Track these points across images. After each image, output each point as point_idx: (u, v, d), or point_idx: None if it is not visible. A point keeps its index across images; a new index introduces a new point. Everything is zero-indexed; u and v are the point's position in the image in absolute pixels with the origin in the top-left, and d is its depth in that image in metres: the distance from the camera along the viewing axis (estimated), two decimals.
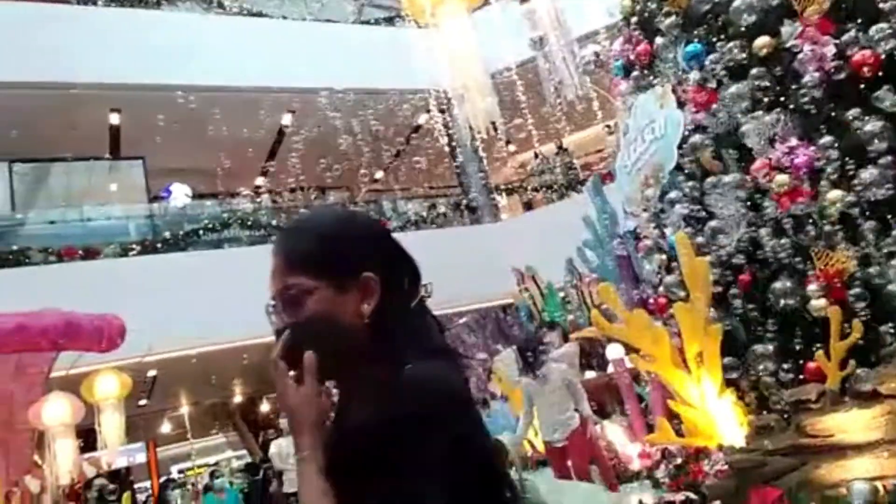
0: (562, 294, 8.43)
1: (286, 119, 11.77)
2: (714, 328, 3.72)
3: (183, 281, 9.06)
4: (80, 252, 9.29)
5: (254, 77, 10.26)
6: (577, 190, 11.25)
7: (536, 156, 12.83)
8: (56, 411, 4.92)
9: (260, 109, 10.68)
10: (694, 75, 3.98)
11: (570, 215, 7.43)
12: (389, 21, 12.23)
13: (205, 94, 10.12)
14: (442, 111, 9.51)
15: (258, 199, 13.36)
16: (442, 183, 13.33)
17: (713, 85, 3.86)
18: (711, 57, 3.85)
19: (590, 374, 7.82)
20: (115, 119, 10.52)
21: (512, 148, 13.57)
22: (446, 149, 10.41)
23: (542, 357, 4.72)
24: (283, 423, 6.63)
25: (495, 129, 7.86)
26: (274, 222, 11.06)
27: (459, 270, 10.41)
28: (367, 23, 12.57)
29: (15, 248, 9.09)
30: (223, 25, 11.02)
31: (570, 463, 4.61)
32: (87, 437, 5.74)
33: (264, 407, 14.43)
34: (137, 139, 10.84)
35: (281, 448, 6.40)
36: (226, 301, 9.00)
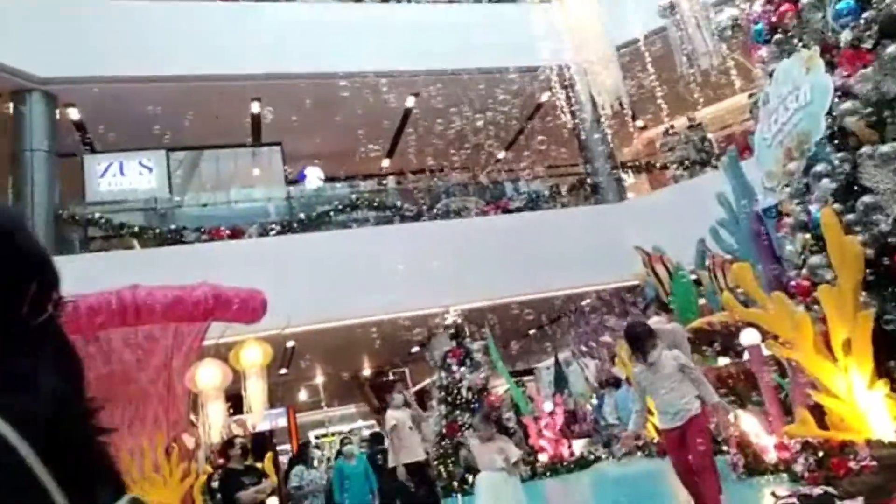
0: (693, 276, 8.04)
1: (410, 102, 12.04)
2: (864, 314, 3.40)
3: (316, 259, 9.62)
4: (228, 232, 10.13)
5: (380, 62, 10.59)
6: (712, 166, 10.61)
7: (667, 131, 12.21)
8: (208, 376, 5.44)
9: (386, 93, 11.01)
10: (845, 35, 3.60)
11: (702, 193, 7.03)
12: None
13: (335, 80, 10.59)
14: (565, 87, 9.32)
15: (383, 182, 13.82)
16: (565, 162, 13.08)
17: (868, 46, 3.48)
18: (867, 14, 3.47)
19: (723, 361, 7.43)
20: (255, 108, 11.29)
21: (640, 123, 13.02)
22: (569, 126, 10.19)
23: (650, 342, 4.40)
24: (395, 396, 6.85)
25: (621, 105, 7.58)
26: (399, 203, 11.42)
27: (583, 251, 10.23)
28: (489, 1, 12.53)
29: (173, 227, 10.09)
30: (353, 13, 11.45)
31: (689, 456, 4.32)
32: (235, 402, 6.29)
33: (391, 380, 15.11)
34: (276, 126, 11.56)
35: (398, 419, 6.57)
36: (354, 278, 9.48)
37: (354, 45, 10.52)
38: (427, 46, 10.70)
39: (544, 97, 11.49)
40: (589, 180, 11.96)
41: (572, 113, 9.38)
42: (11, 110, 9.79)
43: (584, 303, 11.67)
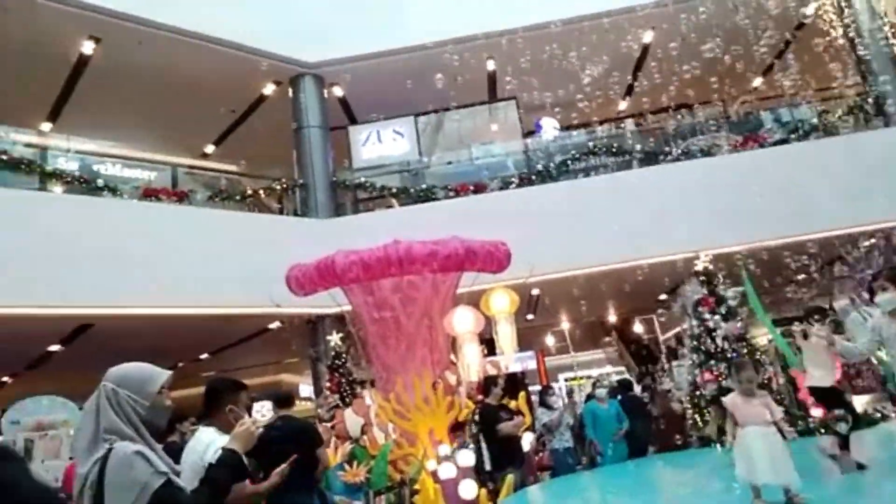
0: None
1: (647, 37, 11.37)
2: None
3: (556, 209, 9.77)
4: (472, 187, 10.75)
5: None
6: None
7: None
8: (463, 321, 5.95)
9: (619, 32, 10.55)
10: None
11: None
12: None
13: (567, 27, 10.45)
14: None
15: (621, 125, 13.33)
16: (837, 84, 11.28)
17: None
18: None
19: None
20: (491, 65, 11.64)
21: None
22: (840, 42, 8.75)
23: None
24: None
25: None
26: (639, 147, 10.98)
27: (859, 184, 8.88)
28: None
29: (424, 186, 11.01)
30: None
31: None
32: (489, 345, 6.80)
33: (637, 327, 14.81)
34: (509, 81, 11.81)
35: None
36: (594, 226, 9.45)
37: None
38: None
39: (809, 9, 10.00)
40: (870, 101, 10.21)
41: (845, 27, 8.04)
42: (290, 94, 11.46)
43: (866, 243, 10.14)
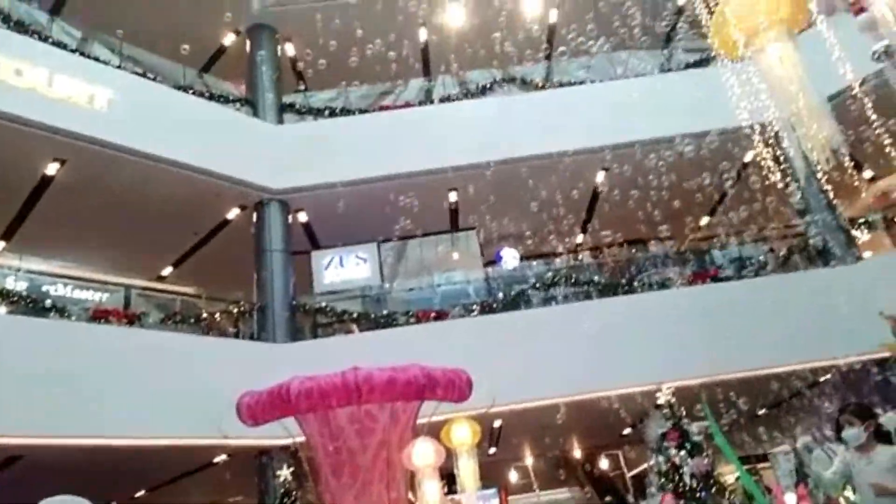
0: None
1: (600, 177, 12.04)
2: None
3: (517, 337, 9.76)
4: (433, 314, 10.74)
5: (566, 142, 10.85)
6: None
7: None
8: (423, 454, 5.68)
9: (575, 171, 11.17)
10: None
11: None
12: (699, 64, 11.82)
13: (524, 164, 11.03)
14: (770, 145, 8.70)
15: (579, 257, 13.76)
16: (780, 222, 12.00)
17: None
18: None
19: None
20: (453, 197, 12.07)
21: (868, 174, 11.63)
22: (780, 186, 9.41)
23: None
24: None
25: (837, 158, 6.84)
26: (596, 278, 11.26)
27: (813, 321, 9.17)
28: (675, 70, 12.35)
29: (385, 312, 10.95)
30: (536, 100, 11.96)
31: None
32: (449, 481, 6.46)
33: (603, 463, 14.39)
34: (471, 212, 12.23)
35: None
36: (555, 356, 9.41)
37: (541, 129, 10.95)
38: (614, 120, 10.77)
39: (748, 157, 10.81)
40: (812, 241, 10.82)
41: (783, 171, 8.69)
42: (255, 218, 11.58)
43: (823, 379, 10.32)
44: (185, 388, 8.52)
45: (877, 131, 6.12)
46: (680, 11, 12.30)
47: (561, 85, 12.25)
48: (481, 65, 12.54)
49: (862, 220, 11.15)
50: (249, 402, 6.06)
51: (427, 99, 12.60)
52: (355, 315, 10.96)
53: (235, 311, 10.70)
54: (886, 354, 8.18)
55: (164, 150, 10.17)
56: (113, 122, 9.73)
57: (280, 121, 12.05)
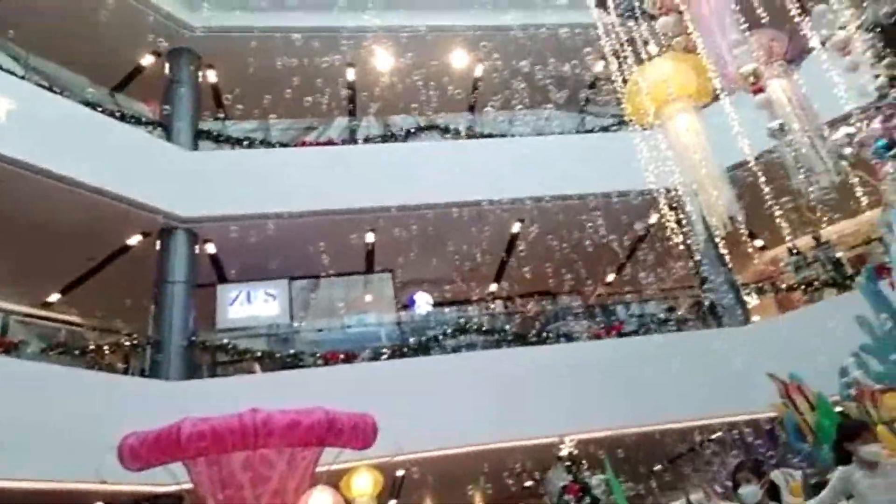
0: (837, 409, 7.24)
1: (516, 227, 12.32)
2: None
3: (426, 384, 9.64)
4: (342, 356, 10.45)
5: (485, 191, 11.08)
6: (846, 286, 9.87)
7: (791, 251, 11.61)
8: None
9: (491, 220, 11.39)
10: None
11: (838, 316, 6.50)
12: (612, 128, 12.48)
13: (444, 210, 11.14)
14: (673, 209, 9.25)
15: (492, 306, 13.92)
16: (680, 283, 12.66)
17: None
18: None
19: None
20: (370, 238, 11.98)
21: (759, 243, 12.49)
22: (682, 248, 9.96)
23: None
24: None
25: (734, 225, 7.34)
26: (507, 327, 11.38)
27: (705, 378, 9.59)
28: (591, 131, 12.98)
29: (291, 352, 10.56)
30: (459, 148, 12.20)
31: None
32: None
33: None
34: (387, 255, 12.17)
35: None
36: (462, 404, 9.34)
37: (462, 177, 11.12)
38: (531, 175, 11.11)
39: (653, 219, 11.40)
40: (707, 302, 11.44)
41: (684, 234, 9.22)
42: (158, 246, 10.98)
43: (713, 436, 10.75)
44: (62, 427, 7.79)
45: (769, 203, 6.60)
46: (598, 78, 13.02)
47: (483, 136, 12.55)
48: (407, 110, 12.71)
49: (753, 286, 11.93)
50: (133, 444, 5.59)
51: (351, 138, 12.58)
52: (259, 354, 10.51)
53: (127, 344, 10.00)
54: (774, 414, 8.64)
55: (64, 168, 9.52)
56: (8, 134, 9.06)
57: (195, 147, 11.62)
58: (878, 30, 3.83)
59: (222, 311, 11.32)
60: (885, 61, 3.75)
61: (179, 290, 10.50)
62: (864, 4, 3.68)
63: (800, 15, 5.16)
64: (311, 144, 12.29)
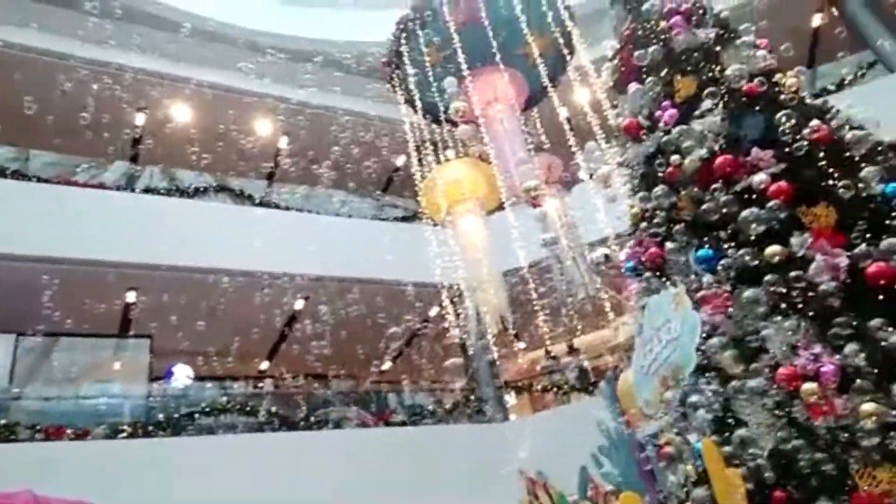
0: None
1: (299, 304, 11.93)
2: None
3: (171, 467, 8.57)
4: (69, 432, 8.91)
5: (268, 263, 10.62)
6: (590, 391, 10.97)
7: (547, 354, 12.73)
8: None
9: (272, 295, 10.90)
10: (707, 279, 4.00)
11: (584, 418, 7.11)
12: (406, 219, 12.93)
13: (219, 276, 10.41)
14: (453, 303, 9.68)
15: (260, 385, 13.11)
16: (450, 378, 13.10)
17: (727, 288, 3.86)
18: (723, 262, 3.90)
19: None
20: (130, 297, 10.71)
21: (522, 345, 13.51)
22: (455, 341, 10.38)
23: None
24: None
25: (504, 326, 7.86)
26: (274, 409, 10.69)
27: (466, 471, 9.80)
28: (385, 219, 13.31)
29: (3, 422, 8.75)
30: (247, 215, 11.66)
31: None
32: None
33: None
34: (148, 318, 10.94)
35: None
36: (214, 492, 8.40)
37: (247, 245, 10.52)
38: (319, 253, 10.91)
39: (433, 312, 11.79)
40: (472, 397, 11.92)
41: (460, 329, 9.64)
42: None
43: None
44: None
45: (535, 308, 7.18)
46: (398, 169, 13.55)
47: (277, 207, 12.18)
48: (199, 167, 11.96)
49: (512, 384, 12.78)
50: None
51: (129, 186, 11.40)
52: None
53: None
54: None
55: None
56: None
57: None
58: (635, 168, 4.46)
59: None
60: (638, 195, 4.34)
61: None
62: (627, 146, 4.27)
63: (575, 146, 5.90)
64: (77, 184, 10.90)
